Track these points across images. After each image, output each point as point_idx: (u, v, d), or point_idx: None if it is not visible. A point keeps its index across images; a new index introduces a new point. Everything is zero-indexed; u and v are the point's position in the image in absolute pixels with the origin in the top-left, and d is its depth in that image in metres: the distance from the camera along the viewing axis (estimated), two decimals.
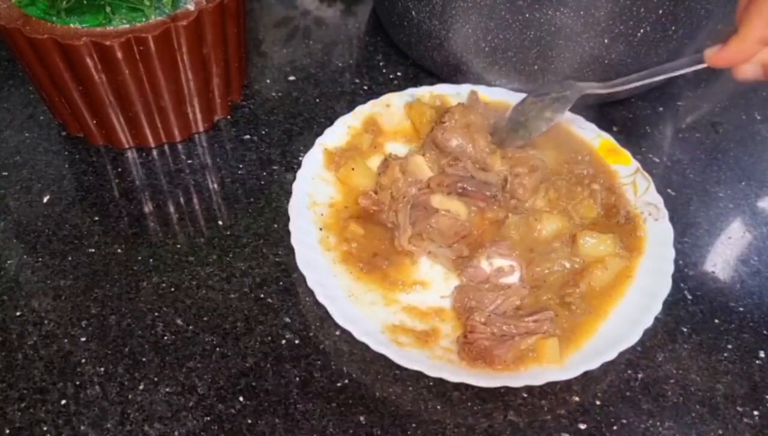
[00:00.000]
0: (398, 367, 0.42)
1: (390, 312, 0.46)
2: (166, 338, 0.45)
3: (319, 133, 0.55)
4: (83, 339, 0.45)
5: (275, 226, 0.53)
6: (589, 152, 0.56)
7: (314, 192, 0.52)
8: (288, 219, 0.49)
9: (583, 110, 0.58)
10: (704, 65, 0.45)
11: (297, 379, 0.44)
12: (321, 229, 0.50)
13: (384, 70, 0.67)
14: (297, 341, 0.46)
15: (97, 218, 0.53)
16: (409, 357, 0.42)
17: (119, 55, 0.49)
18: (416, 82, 0.65)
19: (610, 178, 0.54)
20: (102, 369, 0.44)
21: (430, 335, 0.44)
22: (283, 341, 0.46)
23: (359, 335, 0.43)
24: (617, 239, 0.49)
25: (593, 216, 0.51)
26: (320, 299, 0.44)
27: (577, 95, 0.52)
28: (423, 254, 0.49)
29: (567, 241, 0.49)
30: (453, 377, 0.41)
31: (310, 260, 0.47)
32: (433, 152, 0.54)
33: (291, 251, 0.47)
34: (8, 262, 0.50)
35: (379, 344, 0.42)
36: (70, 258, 0.50)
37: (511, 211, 0.50)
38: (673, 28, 0.55)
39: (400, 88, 0.62)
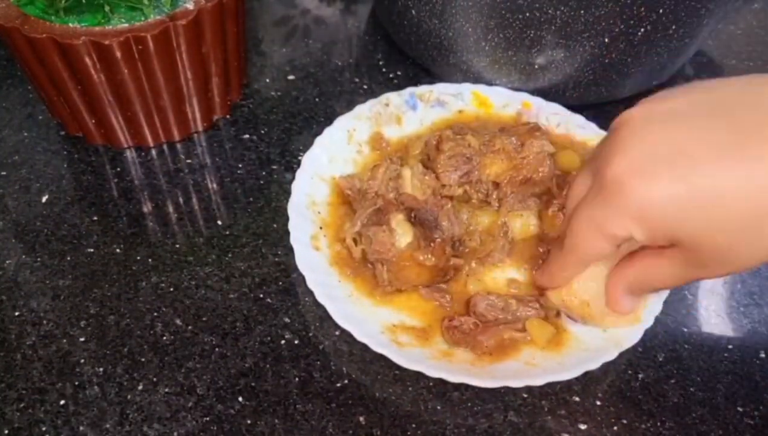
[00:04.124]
0: (398, 367, 0.42)
1: (390, 311, 0.46)
2: (165, 338, 0.45)
3: (319, 133, 0.55)
4: (82, 339, 0.45)
5: (274, 225, 0.53)
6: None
7: (313, 192, 0.52)
8: (287, 219, 0.49)
9: (583, 110, 0.58)
10: None
11: (296, 379, 0.43)
12: (321, 227, 0.50)
13: (384, 70, 0.67)
14: (296, 342, 0.45)
15: (95, 218, 0.53)
16: (409, 357, 0.42)
17: (118, 54, 0.49)
18: (416, 82, 0.65)
19: None
20: (101, 369, 0.43)
21: (429, 332, 0.45)
22: (283, 342, 0.45)
23: (359, 335, 0.43)
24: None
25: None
26: (320, 299, 0.44)
27: None
28: (356, 254, 0.47)
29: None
30: (453, 377, 0.41)
31: (310, 259, 0.47)
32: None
33: (290, 250, 0.47)
34: (7, 262, 0.49)
35: (379, 345, 0.42)
36: (68, 258, 0.50)
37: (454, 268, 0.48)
38: (674, 27, 0.55)
39: (399, 87, 0.61)
